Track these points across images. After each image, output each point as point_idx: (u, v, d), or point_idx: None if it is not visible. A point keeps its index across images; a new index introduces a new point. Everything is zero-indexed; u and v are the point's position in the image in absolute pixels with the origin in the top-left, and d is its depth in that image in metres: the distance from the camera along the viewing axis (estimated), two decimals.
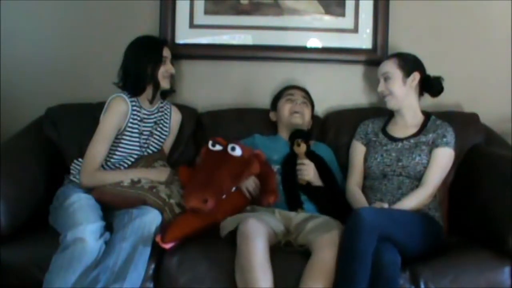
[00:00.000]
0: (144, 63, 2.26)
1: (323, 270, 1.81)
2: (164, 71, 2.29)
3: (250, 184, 2.17)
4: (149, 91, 2.29)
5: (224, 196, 2.03)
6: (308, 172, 2.21)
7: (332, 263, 1.81)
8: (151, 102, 2.32)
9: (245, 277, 1.80)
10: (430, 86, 2.30)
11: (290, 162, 2.25)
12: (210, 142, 2.14)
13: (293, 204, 2.16)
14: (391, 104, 2.29)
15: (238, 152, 2.10)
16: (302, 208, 2.17)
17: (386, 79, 2.28)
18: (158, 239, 1.90)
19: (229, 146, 2.10)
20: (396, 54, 2.33)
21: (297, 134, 2.28)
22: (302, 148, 2.23)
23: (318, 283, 1.78)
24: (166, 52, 2.31)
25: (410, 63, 2.28)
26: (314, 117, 2.55)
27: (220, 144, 2.12)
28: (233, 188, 2.09)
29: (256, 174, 2.14)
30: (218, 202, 1.98)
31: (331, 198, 2.20)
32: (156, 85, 2.28)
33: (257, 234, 1.86)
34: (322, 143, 2.48)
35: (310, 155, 2.25)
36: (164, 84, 2.30)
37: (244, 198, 2.17)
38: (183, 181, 2.13)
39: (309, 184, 2.21)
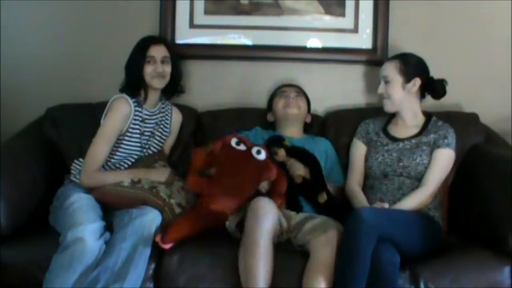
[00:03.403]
0: (132, 63, 2.27)
1: (321, 270, 1.82)
2: (152, 71, 2.26)
3: (263, 186, 2.17)
4: (146, 91, 2.29)
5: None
6: (297, 167, 2.21)
7: (329, 261, 1.83)
8: (145, 102, 2.30)
9: (246, 256, 1.84)
10: (432, 89, 2.30)
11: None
12: (233, 140, 2.12)
13: (293, 209, 2.16)
14: (387, 107, 2.29)
15: (262, 156, 2.11)
16: (302, 212, 2.17)
17: (386, 82, 2.27)
18: (157, 239, 1.90)
19: (254, 149, 2.11)
20: (399, 57, 2.30)
21: (268, 144, 2.26)
22: (280, 154, 2.22)
23: (319, 284, 1.80)
24: (156, 52, 2.26)
25: (411, 68, 2.25)
26: (314, 116, 2.55)
27: (244, 144, 2.12)
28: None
29: (272, 180, 2.14)
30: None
31: (328, 194, 2.20)
32: (145, 85, 2.27)
33: (267, 213, 1.89)
34: (321, 137, 2.49)
35: (290, 152, 2.24)
36: (155, 84, 2.27)
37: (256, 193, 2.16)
38: (194, 164, 2.09)
39: (305, 180, 2.21)
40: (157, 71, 2.26)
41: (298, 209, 2.17)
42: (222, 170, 2.08)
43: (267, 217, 1.89)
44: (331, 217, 2.07)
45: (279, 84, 2.61)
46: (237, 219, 2.00)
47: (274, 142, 2.27)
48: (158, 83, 2.28)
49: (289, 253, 1.95)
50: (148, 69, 2.25)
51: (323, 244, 1.87)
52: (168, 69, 2.30)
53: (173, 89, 2.40)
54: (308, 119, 2.51)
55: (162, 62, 2.28)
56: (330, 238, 1.89)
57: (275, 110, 2.46)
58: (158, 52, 2.27)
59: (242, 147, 2.11)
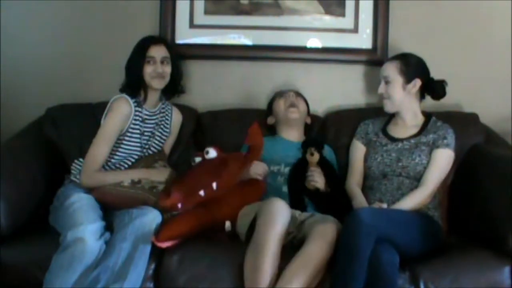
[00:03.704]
0: (132, 63, 2.27)
1: (305, 262, 1.82)
2: (152, 71, 2.25)
3: (257, 168, 2.17)
4: (145, 91, 2.29)
5: (202, 192, 2.03)
6: (319, 180, 2.21)
7: (317, 255, 1.82)
8: (145, 102, 2.30)
9: (255, 257, 1.82)
10: (432, 90, 2.30)
11: (300, 168, 2.24)
12: (191, 160, 2.19)
13: (297, 207, 2.17)
14: (387, 107, 2.29)
15: (212, 154, 2.14)
16: (306, 211, 2.17)
17: (387, 82, 2.27)
18: (152, 239, 1.91)
19: (205, 152, 2.16)
20: (399, 57, 2.30)
21: (311, 142, 2.28)
22: (315, 157, 2.23)
23: (297, 277, 1.78)
24: (156, 52, 2.26)
25: (412, 69, 2.25)
26: (314, 117, 2.55)
27: (198, 156, 2.18)
28: (214, 184, 2.06)
29: (240, 168, 2.13)
30: (192, 197, 2.02)
31: (335, 206, 2.20)
32: (145, 85, 2.27)
33: (280, 216, 1.88)
34: (325, 144, 2.48)
35: (322, 163, 2.26)
36: (154, 84, 2.27)
37: (254, 188, 2.16)
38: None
39: (317, 191, 2.22)
40: (156, 71, 2.25)
41: (302, 208, 2.17)
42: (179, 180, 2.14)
43: (279, 219, 1.88)
44: (334, 216, 2.07)
45: (279, 84, 2.62)
46: (248, 223, 1.99)
47: (315, 143, 2.27)
48: (157, 84, 2.28)
49: (289, 252, 1.94)
50: (148, 70, 2.25)
51: (316, 235, 1.87)
52: (168, 69, 2.30)
53: (173, 89, 2.40)
54: (308, 121, 2.51)
55: (162, 62, 2.27)
56: (325, 230, 1.89)
57: (276, 111, 2.45)
58: (158, 52, 2.27)
59: (197, 159, 2.19)
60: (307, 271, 1.80)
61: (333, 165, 2.32)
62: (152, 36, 2.38)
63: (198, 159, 2.18)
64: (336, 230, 1.90)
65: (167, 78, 2.30)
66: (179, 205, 2.01)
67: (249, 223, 1.98)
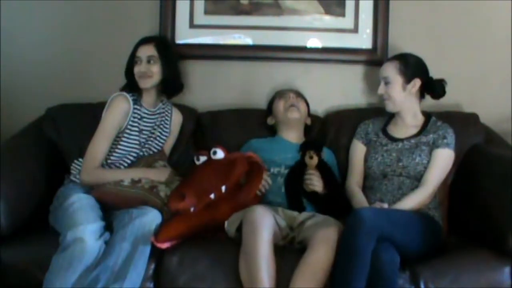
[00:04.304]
0: (127, 64, 2.29)
1: (315, 270, 1.82)
2: (138, 71, 2.26)
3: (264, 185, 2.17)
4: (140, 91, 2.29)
5: (212, 196, 2.03)
6: (317, 184, 2.20)
7: (324, 261, 1.82)
8: (141, 101, 2.30)
9: (249, 268, 1.82)
10: (432, 89, 2.30)
11: (298, 170, 2.24)
12: (194, 158, 2.17)
13: (295, 209, 2.17)
14: (389, 107, 2.29)
15: (220, 155, 2.13)
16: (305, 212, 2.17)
17: (386, 83, 2.27)
18: (152, 239, 1.91)
19: (211, 152, 2.14)
20: (398, 57, 2.30)
21: (309, 145, 2.27)
22: (314, 160, 2.22)
23: (308, 284, 1.79)
24: (142, 52, 2.27)
25: (411, 69, 2.25)
26: (314, 117, 2.55)
27: (203, 155, 2.16)
28: (223, 187, 2.07)
29: (245, 171, 2.13)
30: (203, 200, 2.01)
31: (333, 206, 2.20)
32: (138, 85, 2.27)
33: (263, 223, 1.87)
34: (325, 147, 2.48)
35: (321, 166, 2.25)
36: (141, 84, 2.26)
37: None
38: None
39: (315, 193, 2.21)
40: (140, 71, 2.25)
41: (300, 209, 2.17)
42: (188, 180, 2.12)
43: (264, 226, 1.87)
44: (333, 216, 2.06)
45: (279, 84, 2.62)
46: (237, 224, 1.99)
47: (314, 146, 2.26)
48: (143, 83, 2.27)
49: (289, 252, 1.95)
50: (136, 70, 2.26)
51: (321, 241, 1.86)
52: (154, 68, 2.27)
53: (170, 88, 2.39)
54: (308, 122, 2.51)
55: (149, 61, 2.26)
56: (329, 234, 1.88)
57: (276, 112, 2.45)
58: (144, 52, 2.27)
59: (202, 158, 2.17)
60: (316, 280, 1.80)
61: (331, 168, 2.30)
62: (145, 37, 2.36)
63: (203, 158, 2.17)
64: (338, 232, 1.89)
65: (156, 77, 2.28)
66: (192, 209, 2.01)
67: (236, 228, 1.98)
